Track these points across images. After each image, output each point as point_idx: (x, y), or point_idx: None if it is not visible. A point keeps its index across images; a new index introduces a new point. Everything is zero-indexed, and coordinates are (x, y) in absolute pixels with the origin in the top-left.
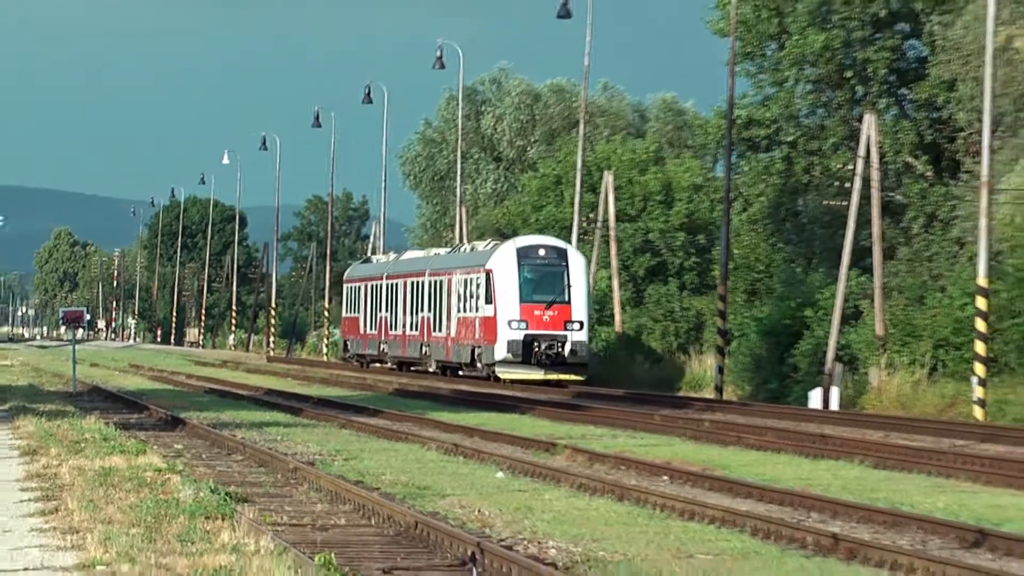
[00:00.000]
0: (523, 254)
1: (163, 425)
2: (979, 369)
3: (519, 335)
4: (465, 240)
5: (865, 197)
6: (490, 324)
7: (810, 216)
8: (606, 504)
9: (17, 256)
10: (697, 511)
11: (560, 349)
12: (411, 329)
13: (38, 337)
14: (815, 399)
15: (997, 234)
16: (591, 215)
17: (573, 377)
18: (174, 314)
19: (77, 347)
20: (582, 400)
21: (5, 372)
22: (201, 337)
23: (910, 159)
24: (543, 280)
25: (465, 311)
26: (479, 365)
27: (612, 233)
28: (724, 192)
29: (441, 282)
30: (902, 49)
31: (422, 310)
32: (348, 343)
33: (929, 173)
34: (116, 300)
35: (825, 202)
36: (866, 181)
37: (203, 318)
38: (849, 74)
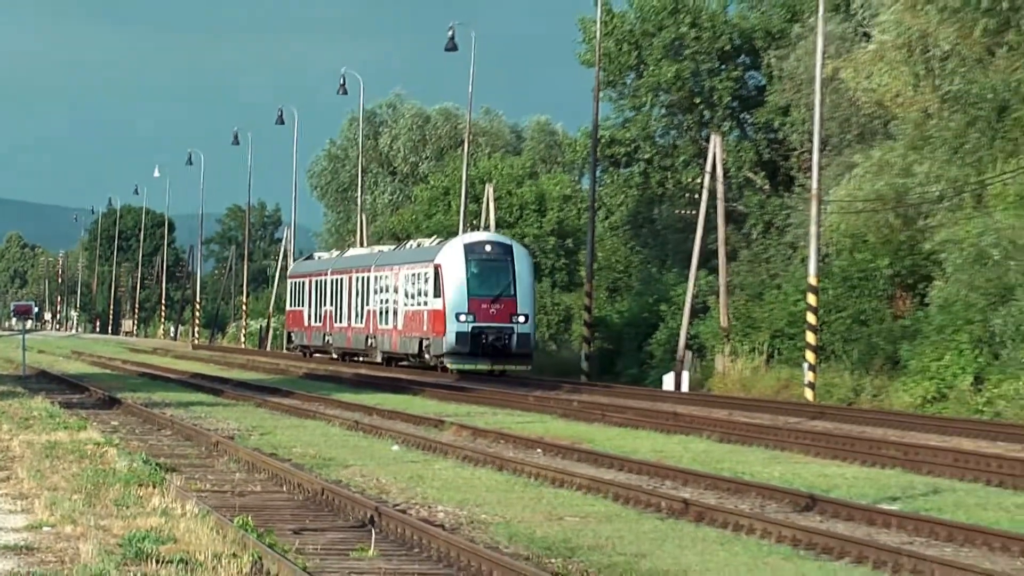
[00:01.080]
0: (470, 250)
1: (102, 404)
2: (809, 356)
3: (467, 327)
4: (365, 242)
5: (711, 207)
6: (439, 317)
7: (664, 223)
8: (487, 473)
9: None
10: (567, 479)
11: (507, 341)
12: (356, 321)
13: None
14: (668, 382)
15: (825, 239)
16: (475, 222)
17: (519, 368)
18: (111, 307)
19: (26, 336)
20: (466, 383)
21: None
22: (135, 328)
23: (750, 174)
24: (490, 275)
25: (413, 305)
26: (427, 356)
27: None
28: (590, 202)
29: (387, 276)
30: (744, 79)
31: (368, 303)
32: (292, 335)
33: (767, 186)
34: (60, 295)
35: (677, 211)
36: (712, 193)
37: (136, 311)
38: (698, 100)
